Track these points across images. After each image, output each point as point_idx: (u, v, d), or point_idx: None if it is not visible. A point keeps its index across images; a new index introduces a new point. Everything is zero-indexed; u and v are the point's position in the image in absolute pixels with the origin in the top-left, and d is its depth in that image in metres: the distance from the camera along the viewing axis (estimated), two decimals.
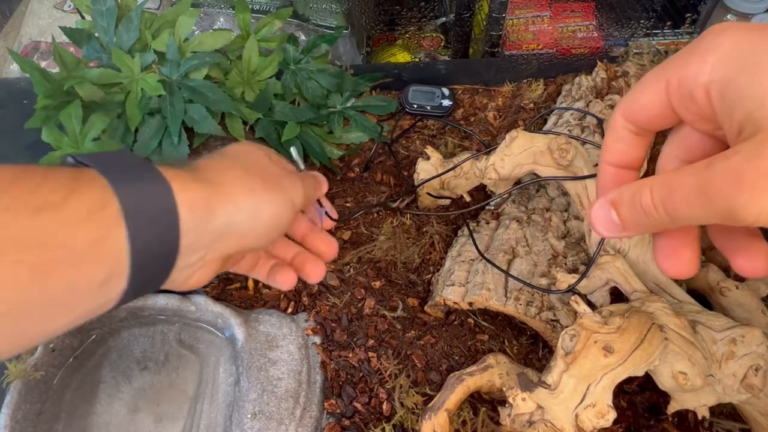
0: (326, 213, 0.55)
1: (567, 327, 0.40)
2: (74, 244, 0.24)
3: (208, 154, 0.36)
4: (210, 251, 0.32)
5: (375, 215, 0.65)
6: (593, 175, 0.48)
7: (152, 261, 0.27)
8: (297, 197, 0.37)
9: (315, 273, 0.43)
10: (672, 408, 0.43)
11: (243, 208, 0.32)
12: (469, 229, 0.57)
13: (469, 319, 0.57)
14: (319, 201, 0.49)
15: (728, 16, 1.02)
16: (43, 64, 0.95)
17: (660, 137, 0.29)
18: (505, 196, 0.60)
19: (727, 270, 0.58)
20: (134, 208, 0.26)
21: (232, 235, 0.32)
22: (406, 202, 0.65)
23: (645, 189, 0.24)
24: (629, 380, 0.45)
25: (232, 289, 0.59)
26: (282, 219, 0.35)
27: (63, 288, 0.24)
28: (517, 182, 0.57)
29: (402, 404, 0.51)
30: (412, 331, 0.56)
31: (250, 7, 0.79)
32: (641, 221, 0.25)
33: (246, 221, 0.32)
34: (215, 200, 0.30)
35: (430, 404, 0.47)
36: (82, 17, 0.67)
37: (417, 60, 1.11)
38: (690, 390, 0.40)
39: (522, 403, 0.39)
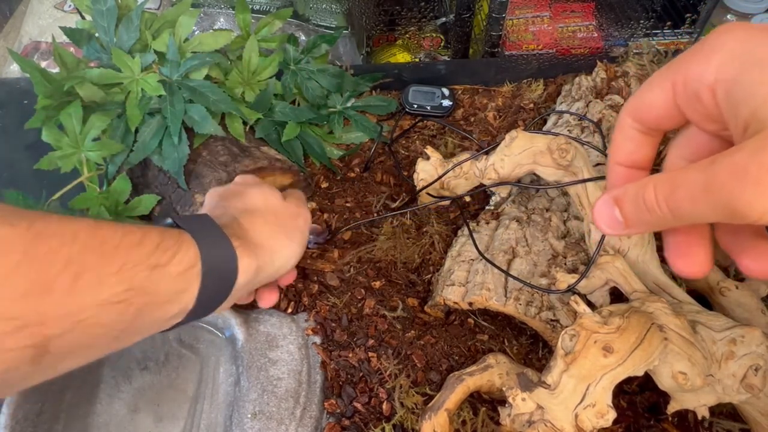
0: (314, 240, 0.58)
1: (567, 327, 0.40)
2: (168, 293, 0.32)
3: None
4: (244, 293, 0.43)
5: (375, 215, 0.65)
6: (591, 179, 0.48)
7: (207, 306, 0.36)
8: (306, 227, 0.47)
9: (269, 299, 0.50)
10: (672, 408, 0.43)
11: (278, 258, 0.42)
12: (469, 228, 0.57)
13: (469, 319, 0.57)
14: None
15: (728, 16, 1.02)
16: (43, 64, 0.95)
17: (667, 139, 0.29)
18: (504, 196, 0.60)
19: (727, 270, 0.58)
20: (210, 270, 0.34)
21: (267, 277, 0.42)
22: (405, 202, 0.65)
23: (649, 186, 0.24)
24: (629, 380, 0.45)
25: None
26: (301, 253, 0.45)
27: (150, 322, 0.32)
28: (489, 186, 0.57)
29: (402, 404, 0.51)
30: (412, 331, 0.56)
31: (250, 7, 0.79)
32: (644, 219, 0.24)
33: (280, 267, 0.42)
34: (260, 263, 0.40)
35: (430, 404, 0.47)
36: (82, 17, 0.67)
37: (417, 60, 1.11)
38: (690, 390, 0.40)
39: (522, 403, 0.39)
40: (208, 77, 0.62)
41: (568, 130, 0.62)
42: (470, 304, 0.51)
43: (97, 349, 0.30)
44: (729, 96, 0.22)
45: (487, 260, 0.52)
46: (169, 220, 0.36)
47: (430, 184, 0.60)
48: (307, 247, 0.61)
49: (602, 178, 0.48)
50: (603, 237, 0.47)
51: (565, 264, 0.52)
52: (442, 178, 0.60)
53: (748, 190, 0.19)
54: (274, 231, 0.42)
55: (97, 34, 0.61)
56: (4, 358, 0.24)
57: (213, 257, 0.35)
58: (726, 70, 0.22)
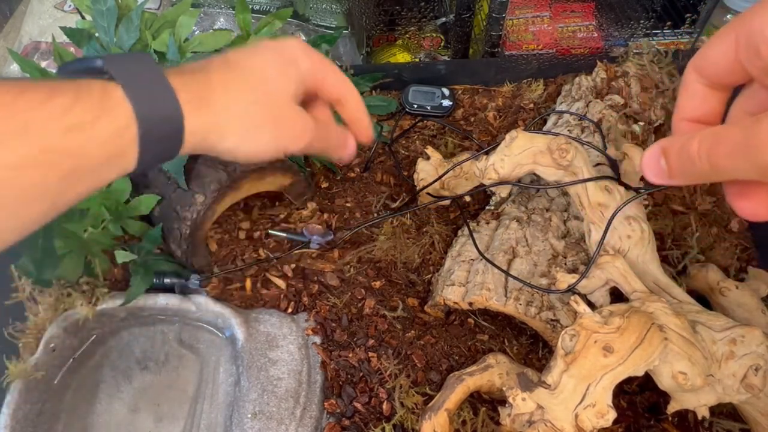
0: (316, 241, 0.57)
1: (567, 327, 0.40)
2: (99, 156, 0.29)
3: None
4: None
5: (375, 215, 0.65)
6: (591, 179, 0.48)
7: (153, 165, 0.33)
8: (292, 146, 0.39)
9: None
10: (672, 408, 0.43)
11: (243, 140, 0.36)
12: (469, 228, 0.57)
13: (469, 319, 0.57)
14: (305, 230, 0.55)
15: (728, 16, 1.02)
16: (43, 64, 0.95)
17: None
18: (504, 196, 0.60)
19: (726, 270, 0.58)
20: (149, 130, 0.31)
21: (222, 153, 0.36)
22: (405, 202, 0.65)
23: (695, 139, 0.24)
24: (629, 380, 0.45)
25: (232, 289, 0.59)
26: (262, 157, 0.38)
27: (84, 188, 0.30)
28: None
29: (402, 404, 0.51)
30: (412, 331, 0.56)
31: (250, 7, 0.79)
32: (686, 170, 0.24)
33: (242, 153, 0.37)
34: (212, 136, 0.34)
35: (430, 404, 0.47)
36: (83, 17, 0.67)
37: (417, 60, 1.11)
38: (690, 390, 0.40)
39: (522, 403, 0.39)
40: None
41: (568, 130, 0.61)
42: (470, 304, 0.51)
43: (33, 213, 0.29)
44: None
45: (488, 260, 0.52)
46: (99, 62, 0.31)
47: (430, 183, 0.60)
48: (309, 247, 0.61)
49: (603, 177, 0.48)
50: (603, 237, 0.47)
51: (565, 264, 0.52)
52: (442, 178, 0.60)
53: None
54: (253, 106, 0.36)
55: (97, 34, 0.61)
56: None
57: (152, 114, 0.31)
58: None
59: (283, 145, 0.38)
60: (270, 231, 0.61)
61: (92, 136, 0.29)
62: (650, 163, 0.27)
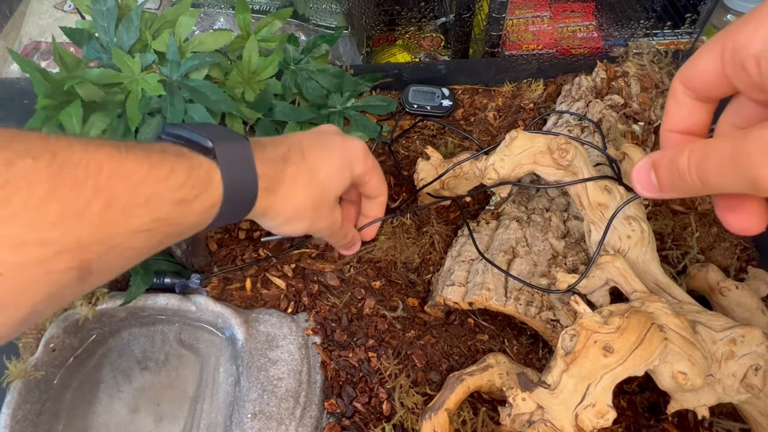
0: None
1: (567, 327, 0.40)
2: (190, 225, 0.35)
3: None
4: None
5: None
6: (591, 179, 0.48)
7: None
8: (317, 233, 0.46)
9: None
10: (672, 408, 0.43)
11: (276, 223, 0.42)
12: (469, 229, 0.57)
13: (469, 319, 0.57)
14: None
15: (728, 16, 1.02)
16: (43, 64, 0.95)
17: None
18: (504, 196, 0.60)
19: (726, 270, 0.58)
20: (227, 209, 0.36)
21: (274, 227, 0.43)
22: (407, 201, 0.65)
23: (684, 152, 0.24)
24: (629, 380, 0.45)
25: (232, 289, 0.59)
26: (292, 234, 0.45)
27: (168, 243, 0.35)
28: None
29: (402, 404, 0.51)
30: (412, 331, 0.56)
31: (250, 7, 0.79)
32: (676, 184, 0.25)
33: (267, 225, 0.43)
34: (269, 214, 0.41)
35: (430, 404, 0.47)
36: (82, 17, 0.67)
37: (417, 60, 1.11)
38: (690, 390, 0.40)
39: (522, 403, 0.39)
40: (208, 77, 0.62)
41: (568, 130, 0.61)
42: (470, 304, 0.51)
43: (128, 267, 0.33)
44: None
45: (488, 260, 0.52)
46: (209, 143, 0.36)
47: (430, 183, 0.60)
48: (307, 247, 0.61)
49: (603, 177, 0.48)
50: (603, 237, 0.47)
51: (565, 264, 0.52)
52: (442, 178, 0.60)
53: None
54: (308, 201, 0.42)
55: (97, 34, 0.61)
56: (53, 279, 0.27)
57: (235, 195, 0.36)
58: None
59: (312, 230, 0.45)
60: (263, 238, 0.61)
61: (192, 210, 0.34)
62: (640, 177, 0.27)
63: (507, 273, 0.50)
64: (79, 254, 0.28)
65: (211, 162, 0.35)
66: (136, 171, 0.30)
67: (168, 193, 0.32)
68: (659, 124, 0.66)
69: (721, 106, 0.28)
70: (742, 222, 0.25)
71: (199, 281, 0.57)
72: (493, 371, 0.48)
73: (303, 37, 1.00)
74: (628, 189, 0.48)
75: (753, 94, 0.25)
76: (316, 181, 0.42)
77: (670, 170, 0.25)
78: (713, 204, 0.27)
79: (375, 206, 0.52)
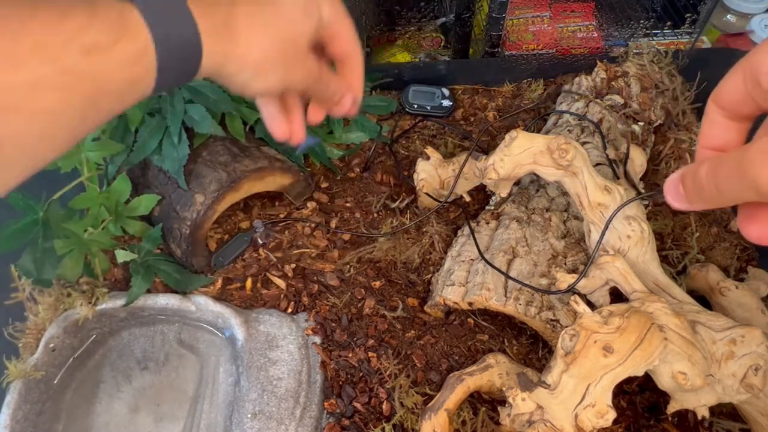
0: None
1: (567, 327, 0.40)
2: (119, 80, 0.29)
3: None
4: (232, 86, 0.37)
5: (375, 215, 0.65)
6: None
7: (167, 88, 0.33)
8: (296, 86, 0.39)
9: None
10: (672, 408, 0.43)
11: (243, 79, 0.36)
12: (470, 228, 0.57)
13: (469, 319, 0.57)
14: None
15: (728, 16, 1.02)
16: None
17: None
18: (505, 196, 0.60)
19: (726, 270, 0.58)
20: (167, 57, 0.31)
21: (236, 84, 0.36)
22: (405, 202, 0.65)
23: (705, 164, 0.25)
24: (629, 380, 0.45)
25: (231, 289, 0.59)
26: (267, 92, 0.40)
27: (105, 113, 0.31)
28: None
29: (402, 404, 0.51)
30: (412, 331, 0.56)
31: None
32: (700, 194, 0.26)
33: (236, 86, 0.37)
34: (230, 66, 0.35)
35: (430, 404, 0.47)
36: None
37: (417, 60, 1.11)
38: (690, 390, 0.40)
39: (522, 403, 0.39)
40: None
41: (568, 130, 0.62)
42: (470, 304, 0.51)
43: (58, 138, 0.29)
44: None
45: (487, 261, 0.52)
46: None
47: (427, 179, 0.60)
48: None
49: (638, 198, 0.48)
50: (601, 237, 0.47)
51: (565, 264, 0.52)
52: (443, 179, 0.60)
53: (766, 169, 0.21)
54: (275, 44, 0.36)
55: None
56: None
57: (169, 38, 0.31)
58: None
59: (289, 84, 0.38)
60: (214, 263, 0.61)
61: (111, 59, 0.28)
62: (670, 189, 0.28)
63: (506, 275, 0.50)
64: None
65: (121, 2, 0.30)
66: (14, 13, 0.26)
67: (67, 36, 0.27)
68: (659, 124, 0.66)
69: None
70: (759, 231, 0.27)
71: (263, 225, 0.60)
72: (493, 371, 0.48)
73: None
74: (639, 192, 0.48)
75: None
76: (279, 19, 0.36)
77: (693, 181, 0.26)
78: (737, 216, 0.29)
79: (350, 72, 0.44)
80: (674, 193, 0.28)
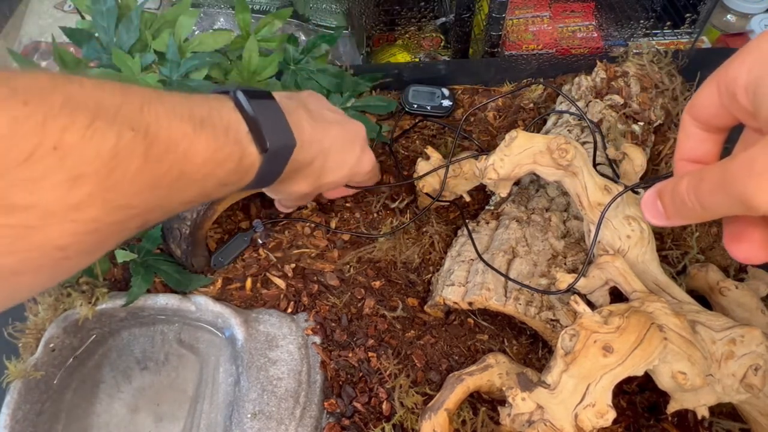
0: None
1: (566, 327, 0.40)
2: (215, 198, 0.39)
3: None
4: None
5: (375, 215, 0.65)
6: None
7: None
8: (363, 174, 0.54)
9: None
10: (672, 408, 0.43)
11: (330, 169, 0.50)
12: (468, 230, 0.57)
13: (469, 319, 0.57)
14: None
15: (728, 16, 1.02)
16: (43, 64, 0.95)
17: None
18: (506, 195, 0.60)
19: (726, 270, 0.58)
20: (261, 176, 0.41)
21: (309, 182, 0.49)
22: (405, 202, 0.65)
23: (683, 179, 0.25)
24: (629, 380, 0.45)
25: (232, 289, 0.59)
26: (353, 172, 0.52)
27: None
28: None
29: (402, 404, 0.51)
30: (412, 331, 0.56)
31: (250, 7, 0.79)
32: (680, 210, 0.26)
33: (329, 182, 0.51)
34: (280, 189, 0.49)
35: (430, 404, 0.47)
36: (82, 17, 0.67)
37: (417, 60, 1.11)
38: (689, 390, 0.40)
39: (522, 402, 0.39)
40: (208, 77, 0.62)
41: (568, 130, 0.62)
42: (470, 303, 0.51)
43: (177, 209, 0.37)
44: (756, 96, 0.23)
45: (485, 262, 0.52)
46: (267, 144, 0.40)
47: (426, 174, 0.60)
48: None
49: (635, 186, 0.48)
50: (596, 236, 0.47)
51: (565, 264, 0.52)
52: (442, 179, 0.60)
53: (752, 180, 0.20)
54: (339, 139, 0.49)
55: (97, 34, 0.61)
56: (124, 235, 0.32)
57: (254, 183, 0.41)
58: (755, 71, 0.23)
59: (359, 155, 0.53)
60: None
61: (227, 191, 0.39)
62: (648, 206, 0.28)
63: (506, 276, 0.50)
64: (146, 216, 0.32)
65: (257, 156, 0.39)
66: (202, 152, 0.34)
67: (219, 175, 0.36)
68: (659, 124, 0.66)
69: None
70: (746, 251, 0.26)
71: (262, 225, 0.62)
72: (493, 371, 0.48)
73: (303, 37, 1.00)
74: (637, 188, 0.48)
75: (749, 122, 0.26)
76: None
77: (673, 197, 0.26)
78: (723, 237, 0.28)
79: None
80: (652, 210, 0.28)
